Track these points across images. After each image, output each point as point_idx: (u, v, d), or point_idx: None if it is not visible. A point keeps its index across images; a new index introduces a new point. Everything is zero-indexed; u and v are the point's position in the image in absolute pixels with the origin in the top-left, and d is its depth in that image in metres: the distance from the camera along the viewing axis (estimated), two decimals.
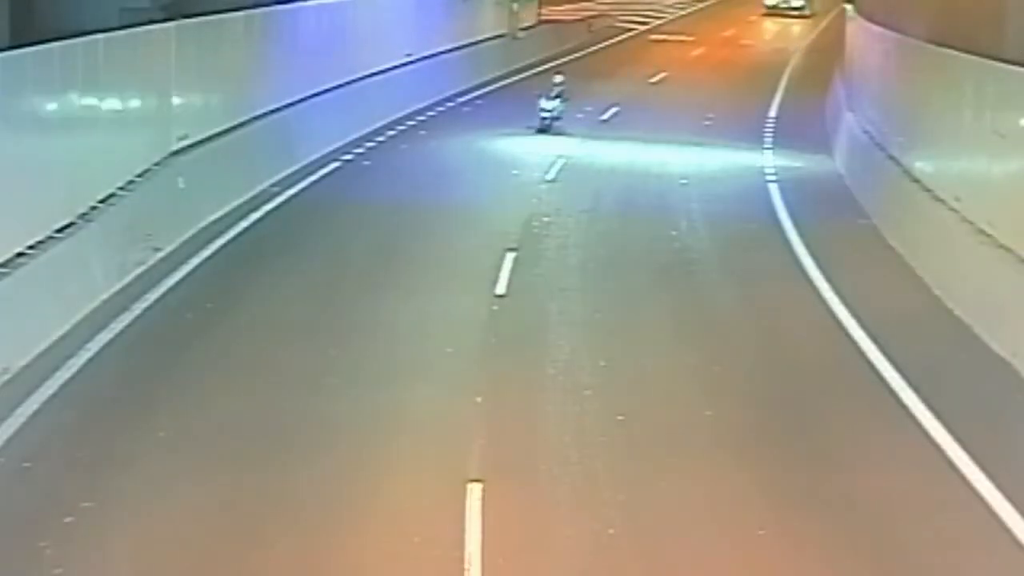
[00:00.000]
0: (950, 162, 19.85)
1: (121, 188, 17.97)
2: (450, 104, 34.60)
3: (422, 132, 30.51)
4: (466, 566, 10.15)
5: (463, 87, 36.78)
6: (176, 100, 20.57)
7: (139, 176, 18.71)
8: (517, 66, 42.09)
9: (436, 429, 13.02)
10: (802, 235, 21.23)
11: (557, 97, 31.11)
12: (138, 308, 16.22)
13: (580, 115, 33.54)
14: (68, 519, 10.70)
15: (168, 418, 13.00)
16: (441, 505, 11.21)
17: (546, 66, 43.67)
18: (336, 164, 25.94)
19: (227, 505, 11.16)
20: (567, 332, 16.50)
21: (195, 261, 18.48)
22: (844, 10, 36.69)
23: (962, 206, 18.15)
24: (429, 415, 13.39)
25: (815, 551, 10.77)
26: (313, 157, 25.79)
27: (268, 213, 21.60)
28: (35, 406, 12.95)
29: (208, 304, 16.67)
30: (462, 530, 10.67)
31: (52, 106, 15.97)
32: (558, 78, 31.58)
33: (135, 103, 19.04)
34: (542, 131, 30.49)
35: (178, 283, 17.48)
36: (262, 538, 10.62)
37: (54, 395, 13.31)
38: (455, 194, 23.93)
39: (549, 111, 30.72)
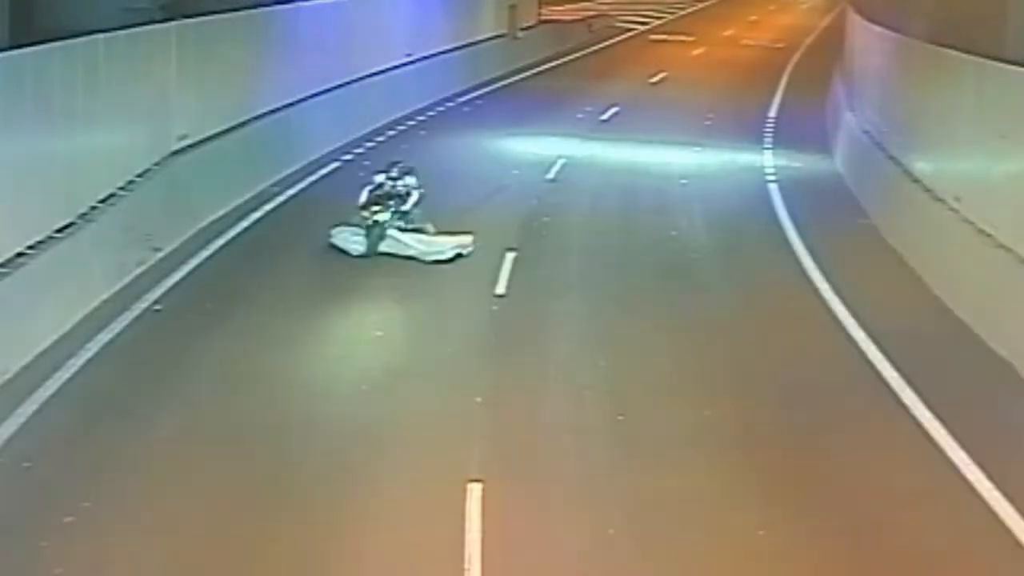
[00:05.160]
0: (950, 162, 19.84)
1: (121, 188, 17.97)
2: (450, 104, 34.61)
3: (422, 132, 30.51)
4: (466, 566, 10.16)
5: (463, 87, 36.78)
6: (176, 100, 20.57)
7: (139, 176, 18.72)
8: (517, 66, 42.09)
9: (436, 429, 13.02)
10: (802, 235, 21.23)
11: (401, 197, 19.48)
12: (138, 308, 16.23)
13: (580, 115, 33.60)
14: (68, 519, 10.71)
15: (168, 418, 13.01)
16: (441, 505, 11.21)
17: (546, 66, 43.80)
18: (336, 164, 25.94)
19: (227, 504, 11.17)
20: (567, 332, 16.51)
21: (195, 261, 18.48)
22: (845, 10, 36.69)
23: (962, 206, 18.15)
24: (429, 415, 13.39)
25: (815, 552, 10.77)
26: (313, 157, 25.79)
27: (268, 213, 21.61)
28: (35, 406, 12.97)
29: (208, 304, 16.67)
30: (462, 530, 10.67)
31: (52, 106, 15.96)
32: (409, 179, 19.82)
33: (135, 103, 19.02)
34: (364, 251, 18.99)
35: (178, 283, 17.49)
36: (262, 536, 10.63)
37: (54, 395, 13.32)
38: (455, 194, 23.88)
39: (381, 221, 19.00)
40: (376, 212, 19.06)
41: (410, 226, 19.18)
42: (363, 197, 19.43)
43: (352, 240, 18.93)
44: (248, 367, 14.61)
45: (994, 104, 17.75)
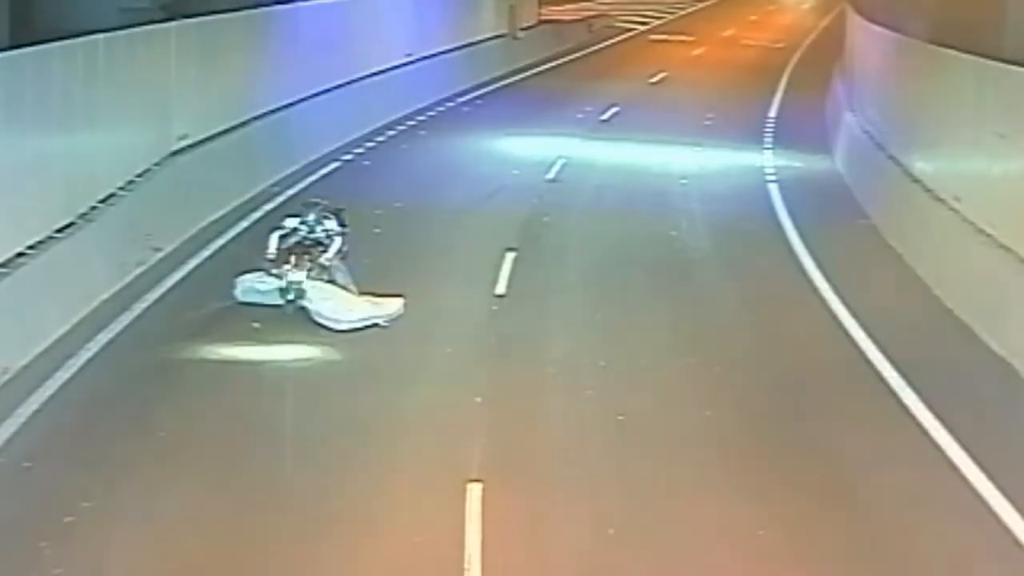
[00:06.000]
0: (950, 162, 19.85)
1: (121, 188, 17.98)
2: (450, 104, 34.60)
3: (422, 132, 30.51)
4: (466, 566, 10.15)
5: (463, 87, 36.77)
6: (176, 100, 20.57)
7: (139, 176, 18.73)
8: (517, 66, 42.09)
9: (436, 429, 13.02)
10: (802, 235, 21.22)
11: (320, 244, 16.54)
12: (138, 308, 16.23)
13: (580, 115, 33.59)
14: (68, 519, 10.70)
15: (168, 418, 13.01)
16: (441, 505, 11.21)
17: (546, 66, 43.80)
18: (336, 164, 25.94)
19: (227, 505, 11.17)
20: (567, 332, 16.50)
21: (195, 261, 18.48)
22: (845, 10, 36.68)
23: (962, 206, 18.15)
24: (429, 415, 13.39)
25: (815, 552, 10.77)
26: (313, 157, 25.79)
27: (268, 213, 21.57)
28: (35, 406, 12.96)
29: (208, 304, 16.64)
30: (462, 530, 10.67)
31: (52, 106, 15.96)
32: (330, 223, 16.72)
33: (135, 103, 19.04)
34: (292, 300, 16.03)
35: (178, 283, 17.49)
36: (262, 538, 10.62)
37: (54, 395, 13.32)
38: (455, 194, 23.93)
39: (296, 281, 15.97)
40: (288, 270, 15.94)
41: (327, 278, 16.21)
42: (271, 245, 16.26)
43: (266, 294, 16.00)
44: (248, 366, 14.62)
45: (994, 104, 17.75)
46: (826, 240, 20.90)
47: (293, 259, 16.15)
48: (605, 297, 18.08)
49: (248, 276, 16.37)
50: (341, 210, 17.07)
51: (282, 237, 16.43)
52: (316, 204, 16.91)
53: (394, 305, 16.14)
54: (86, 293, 15.92)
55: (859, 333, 16.21)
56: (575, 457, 12.47)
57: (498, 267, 18.73)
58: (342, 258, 16.54)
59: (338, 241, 16.43)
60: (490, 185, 24.73)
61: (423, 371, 14.76)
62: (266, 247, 16.35)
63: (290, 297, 15.86)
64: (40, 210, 15.48)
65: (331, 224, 16.54)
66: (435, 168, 26.62)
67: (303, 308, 15.85)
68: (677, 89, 40.28)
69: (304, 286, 15.86)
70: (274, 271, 16.05)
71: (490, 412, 13.52)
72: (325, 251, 16.35)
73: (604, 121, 33.31)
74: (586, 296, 18.20)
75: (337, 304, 15.83)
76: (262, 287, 16.11)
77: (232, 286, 16.44)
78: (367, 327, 15.77)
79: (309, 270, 16.05)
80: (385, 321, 15.92)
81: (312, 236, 16.44)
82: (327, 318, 15.69)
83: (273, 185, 23.30)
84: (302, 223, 16.57)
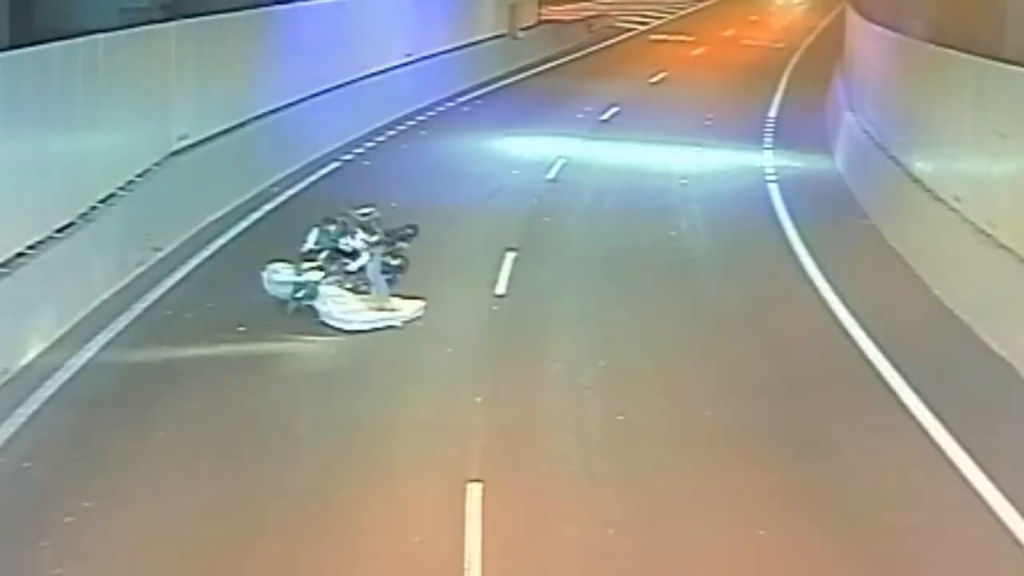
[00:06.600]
0: (950, 162, 19.84)
1: (121, 188, 17.98)
2: (450, 104, 34.62)
3: (422, 132, 30.52)
4: (466, 566, 10.16)
5: (463, 87, 36.79)
6: (176, 100, 20.58)
7: (139, 176, 18.73)
8: (517, 66, 42.12)
9: (436, 429, 13.03)
10: (802, 235, 21.22)
11: (347, 254, 16.39)
12: (138, 308, 16.23)
13: (580, 115, 33.60)
14: (68, 519, 10.71)
15: (168, 418, 13.01)
16: (441, 505, 11.22)
17: (546, 66, 43.82)
18: (336, 164, 25.95)
19: (227, 505, 11.17)
20: (567, 332, 16.51)
21: (195, 261, 18.49)
22: (844, 10, 36.68)
23: (962, 206, 18.15)
24: (429, 415, 13.40)
25: (815, 551, 10.77)
26: (313, 157, 25.81)
27: (268, 213, 21.61)
28: (35, 406, 12.97)
29: (208, 304, 16.66)
30: (462, 530, 10.68)
31: (52, 106, 15.97)
32: (357, 241, 16.36)
33: (135, 103, 19.04)
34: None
35: (178, 283, 17.49)
36: (262, 537, 10.63)
37: (54, 395, 13.33)
38: (455, 194, 23.93)
39: (311, 281, 16.10)
40: (307, 269, 16.05)
41: (350, 285, 16.13)
42: (310, 240, 16.39)
43: (278, 287, 16.14)
44: (248, 366, 14.62)
45: (994, 104, 17.75)
46: (826, 240, 20.89)
47: (322, 257, 16.19)
48: (605, 297, 18.07)
49: (276, 265, 16.31)
50: (411, 230, 16.85)
51: (322, 233, 16.34)
52: (367, 214, 16.44)
53: (412, 307, 16.21)
54: (86, 293, 15.92)
55: (859, 333, 16.21)
56: (575, 457, 12.47)
57: (498, 267, 18.74)
58: (397, 271, 16.40)
59: (365, 256, 16.16)
60: (490, 185, 24.74)
61: (423, 370, 14.77)
62: (304, 239, 16.40)
63: (299, 295, 16.00)
64: (40, 210, 15.48)
65: (357, 241, 16.14)
66: (435, 168, 26.62)
67: (310, 307, 15.92)
68: (677, 89, 40.29)
69: (319, 287, 15.94)
70: (301, 267, 16.09)
71: (490, 412, 13.52)
72: (350, 260, 16.22)
73: (604, 121, 33.31)
74: (586, 296, 18.20)
75: (349, 308, 15.89)
76: (277, 278, 16.17)
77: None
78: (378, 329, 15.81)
79: (326, 275, 16.06)
80: (400, 323, 15.99)
81: (338, 246, 16.28)
82: (337, 319, 15.77)
83: (273, 185, 23.31)
84: (327, 225, 16.40)
